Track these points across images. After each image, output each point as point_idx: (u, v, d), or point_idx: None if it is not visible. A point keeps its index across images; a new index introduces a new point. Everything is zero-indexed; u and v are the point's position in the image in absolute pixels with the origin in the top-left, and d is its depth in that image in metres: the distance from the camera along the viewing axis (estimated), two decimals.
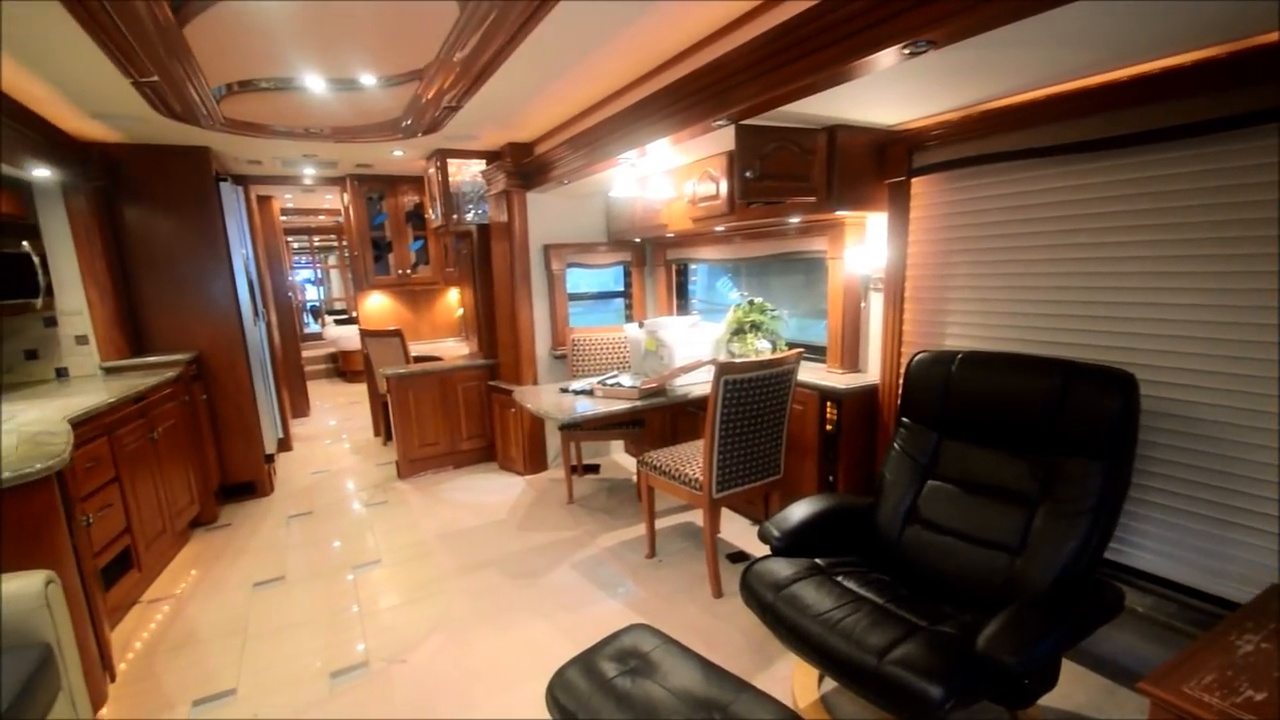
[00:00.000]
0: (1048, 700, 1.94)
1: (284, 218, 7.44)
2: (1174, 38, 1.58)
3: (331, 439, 5.55)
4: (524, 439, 4.22)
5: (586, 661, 1.66)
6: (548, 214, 4.14)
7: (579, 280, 4.67)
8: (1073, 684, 2.05)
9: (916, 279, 2.64)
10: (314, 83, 2.68)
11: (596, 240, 4.40)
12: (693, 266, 4.43)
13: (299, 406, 6.22)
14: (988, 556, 1.90)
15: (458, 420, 4.45)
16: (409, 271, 5.55)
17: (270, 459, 4.31)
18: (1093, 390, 1.77)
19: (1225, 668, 1.37)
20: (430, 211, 4.76)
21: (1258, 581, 1.71)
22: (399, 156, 4.39)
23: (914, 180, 2.54)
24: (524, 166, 3.85)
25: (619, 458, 4.66)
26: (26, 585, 1.67)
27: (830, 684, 2.11)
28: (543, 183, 3.70)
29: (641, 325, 3.47)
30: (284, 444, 5.09)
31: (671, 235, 3.84)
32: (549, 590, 2.82)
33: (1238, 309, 1.75)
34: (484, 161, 4.22)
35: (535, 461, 4.31)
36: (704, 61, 2.15)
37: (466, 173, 4.28)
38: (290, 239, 10.22)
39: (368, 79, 2.69)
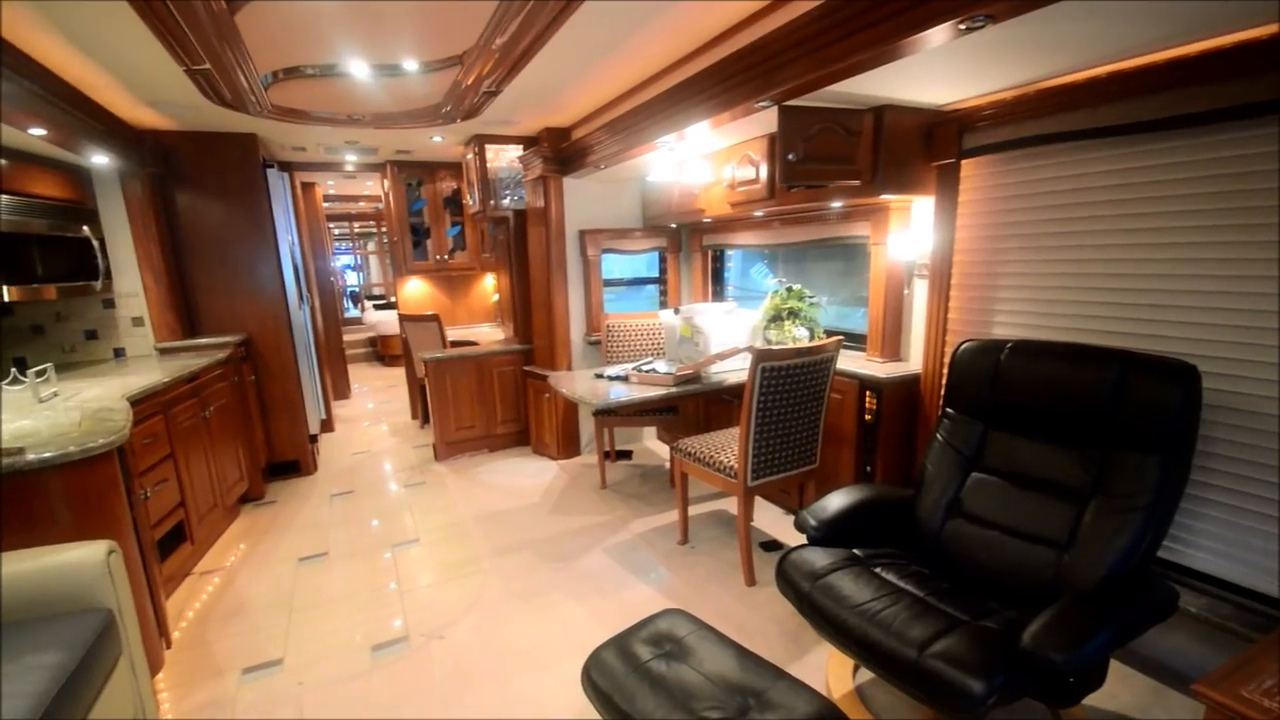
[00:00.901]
0: (1093, 700, 1.88)
1: (326, 204, 7.61)
2: (1252, 10, 1.48)
3: (371, 421, 5.70)
4: (558, 424, 4.26)
5: (621, 644, 1.68)
6: (584, 199, 4.14)
7: (613, 266, 4.67)
8: (1120, 684, 1.99)
9: (964, 265, 2.55)
10: (358, 68, 2.71)
11: (632, 226, 4.38)
12: (728, 253, 4.38)
13: (340, 389, 6.40)
14: (1034, 552, 1.85)
15: (493, 404, 4.51)
16: (446, 257, 5.63)
17: (314, 439, 4.44)
18: (1151, 382, 1.69)
19: None
20: (468, 197, 4.81)
21: None
22: (438, 143, 4.43)
23: (964, 162, 2.45)
24: (561, 152, 3.84)
25: (652, 444, 4.67)
26: (91, 554, 1.76)
27: (865, 675, 2.08)
28: (579, 168, 3.69)
29: (677, 311, 3.45)
30: (326, 425, 5.24)
31: (708, 220, 3.80)
32: (582, 573, 2.85)
33: None
34: (521, 147, 4.23)
35: (569, 446, 4.35)
36: (747, 41, 2.10)
37: (504, 158, 4.30)
38: (332, 225, 10.47)
39: (410, 64, 2.71)
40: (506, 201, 4.37)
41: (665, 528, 3.25)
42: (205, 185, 3.76)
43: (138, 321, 3.62)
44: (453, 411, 4.39)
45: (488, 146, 4.23)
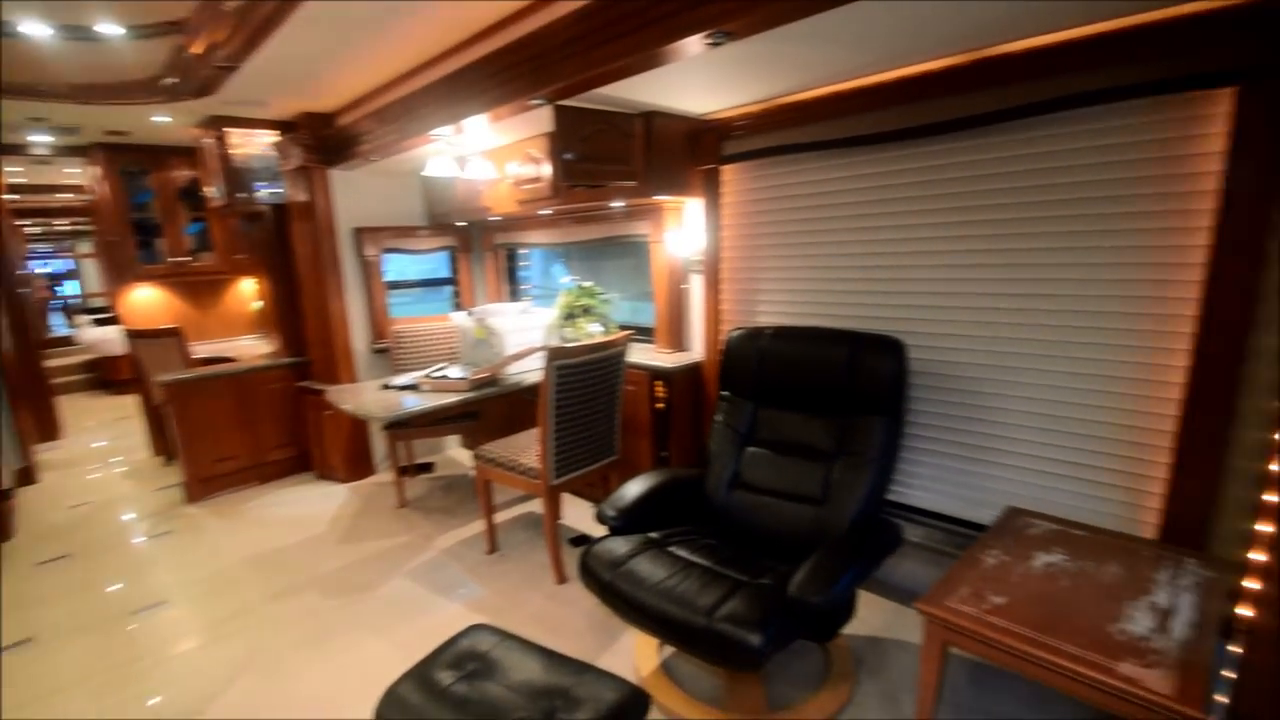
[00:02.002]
0: (850, 629, 2.21)
1: (11, 196, 5.98)
2: (943, 43, 1.84)
3: (97, 464, 4.63)
4: (344, 443, 3.86)
5: (420, 674, 1.57)
6: (358, 194, 3.78)
7: (405, 268, 4.35)
8: (870, 611, 2.36)
9: (730, 261, 2.82)
10: (35, 29, 2.15)
11: (416, 223, 4.11)
12: (526, 251, 4.33)
13: (46, 428, 5.10)
14: (799, 510, 2.11)
15: (261, 428, 3.94)
16: (187, 259, 4.77)
17: (4, 496, 3.48)
18: (873, 355, 2.03)
19: (977, 580, 1.65)
20: (210, 189, 4.11)
21: (1000, 505, 2.08)
22: (164, 123, 3.73)
23: (724, 168, 2.70)
24: (325, 140, 3.46)
25: (455, 453, 4.45)
26: None
27: (670, 650, 2.21)
28: (349, 159, 3.36)
29: (470, 313, 3.32)
30: (25, 476, 4.14)
31: (497, 218, 3.71)
32: (382, 603, 2.61)
33: (983, 280, 2.10)
34: (277, 133, 3.72)
35: (359, 466, 3.96)
36: (519, 35, 2.07)
37: (255, 145, 3.75)
38: (24, 223, 8.25)
39: (109, 28, 2.22)
40: (263, 194, 3.82)
41: (473, 539, 3.12)
42: None
43: None
44: (208, 442, 3.74)
45: (232, 131, 3.65)
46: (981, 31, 1.72)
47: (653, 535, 2.11)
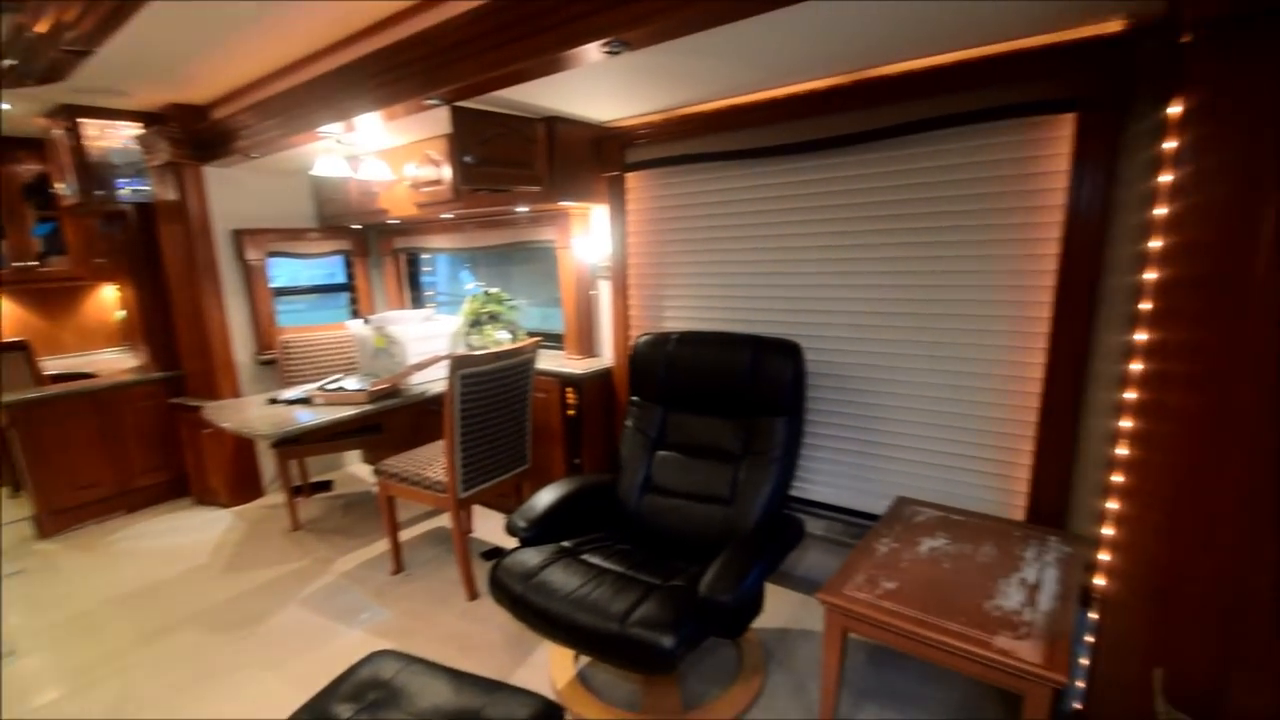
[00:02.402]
0: (760, 623, 2.28)
1: None
2: (819, 66, 1.93)
3: None
4: (226, 464, 3.55)
5: (316, 709, 1.46)
6: (238, 193, 3.49)
7: (297, 273, 4.06)
8: (778, 604, 2.45)
9: (638, 267, 2.85)
10: None
11: (305, 225, 3.85)
12: (430, 257, 4.16)
13: None
14: (710, 511, 2.16)
15: (128, 451, 3.55)
16: (35, 264, 4.21)
17: None
18: (773, 358, 2.11)
19: (871, 568, 1.75)
20: (62, 185, 3.65)
21: (891, 496, 2.22)
22: (3, 111, 3.27)
23: (629, 175, 2.72)
24: (198, 134, 3.17)
25: (356, 470, 4.21)
26: None
27: (587, 659, 2.19)
28: (225, 155, 3.09)
29: (367, 321, 3.15)
30: None
31: (395, 222, 3.55)
32: (274, 636, 2.42)
33: (870, 286, 2.24)
34: (141, 125, 3.37)
35: (245, 489, 3.66)
36: (412, 32, 1.99)
37: (116, 138, 3.37)
38: None
39: None
40: (125, 192, 3.44)
41: (376, 559, 2.96)
42: None
43: None
44: (63, 469, 3.32)
45: (87, 121, 3.27)
46: (860, 55, 1.84)
47: (565, 544, 2.09)
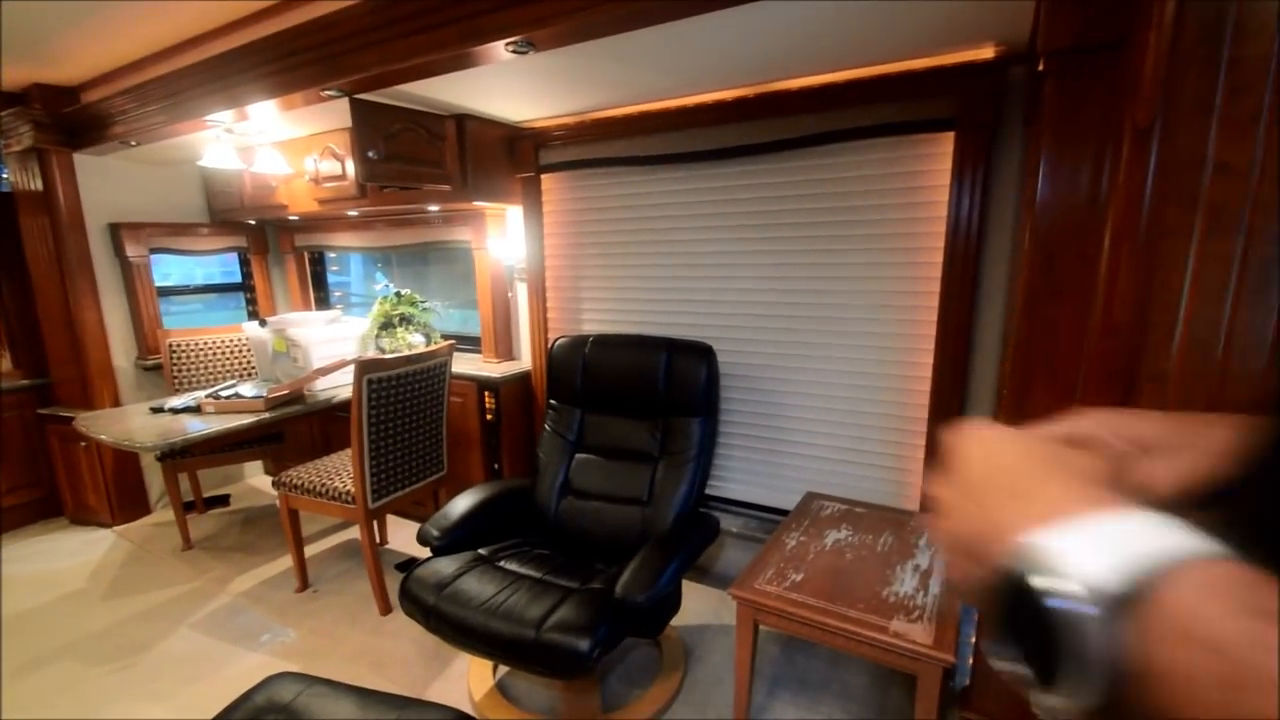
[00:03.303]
0: (680, 620, 2.32)
1: None
2: (724, 77, 1.99)
3: None
4: (106, 479, 3.24)
5: None
6: (117, 183, 3.19)
7: (190, 271, 3.75)
8: (697, 601, 2.49)
9: (555, 269, 2.82)
10: None
11: (194, 220, 3.57)
12: (343, 256, 3.95)
13: None
14: (628, 512, 2.17)
15: None
16: None
17: None
18: (687, 360, 2.15)
19: (780, 561, 1.81)
20: None
21: (801, 491, 2.31)
22: None
23: (544, 176, 2.70)
24: (66, 118, 2.87)
25: (257, 482, 3.95)
26: None
27: (506, 669, 2.15)
28: (99, 141, 2.82)
29: (264, 323, 2.96)
30: None
31: (296, 218, 3.35)
32: (161, 664, 2.23)
33: (778, 290, 2.32)
34: None
35: (129, 506, 3.35)
36: (310, 17, 1.88)
37: None
38: None
39: None
40: None
41: (278, 577, 2.78)
42: None
43: None
44: None
45: None
46: (762, 69, 1.90)
47: (482, 551, 2.04)
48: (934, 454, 2.08)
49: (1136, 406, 0.95)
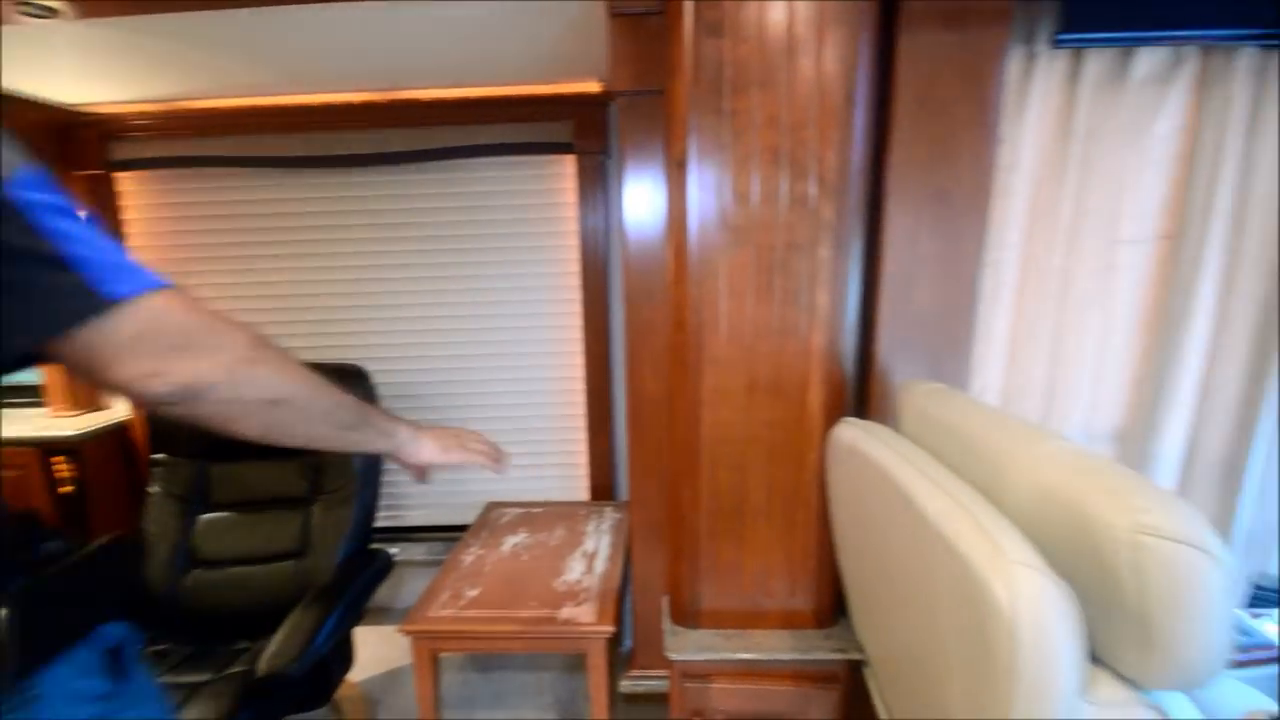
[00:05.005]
0: (365, 670, 2.10)
1: None
2: (336, 80, 1.85)
3: None
4: None
5: None
6: None
7: None
8: (380, 646, 2.28)
9: None
10: None
11: None
12: None
13: None
14: (277, 570, 1.87)
15: None
16: None
17: None
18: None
19: (456, 581, 1.77)
20: None
21: (483, 505, 2.30)
22: None
23: (120, 176, 2.15)
24: None
25: None
26: None
27: None
28: None
29: None
30: None
31: None
32: None
33: (439, 304, 2.26)
34: None
35: None
36: None
37: None
38: None
39: None
40: None
41: None
42: None
43: None
44: None
45: None
46: (382, 75, 1.83)
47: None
48: (596, 447, 2.28)
49: (702, 383, 1.17)
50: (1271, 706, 1.07)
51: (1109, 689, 0.68)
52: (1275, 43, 1.08)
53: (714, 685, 1.31)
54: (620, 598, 1.74)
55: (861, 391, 1.29)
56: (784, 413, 1.19)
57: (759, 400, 1.18)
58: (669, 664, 1.32)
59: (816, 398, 1.18)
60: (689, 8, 1.01)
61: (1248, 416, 1.23)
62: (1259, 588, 1.47)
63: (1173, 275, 1.20)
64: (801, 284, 1.13)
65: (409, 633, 1.57)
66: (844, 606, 1.31)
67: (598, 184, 2.04)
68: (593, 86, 1.93)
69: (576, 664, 2.17)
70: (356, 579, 1.79)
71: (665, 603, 1.44)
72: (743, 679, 1.30)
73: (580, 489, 2.37)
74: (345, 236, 2.22)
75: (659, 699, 1.60)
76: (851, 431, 1.09)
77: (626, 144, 1.26)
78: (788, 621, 1.33)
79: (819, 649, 1.28)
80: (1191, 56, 1.11)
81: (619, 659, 1.81)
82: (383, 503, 2.31)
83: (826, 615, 1.33)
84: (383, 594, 2.24)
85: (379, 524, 2.26)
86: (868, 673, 1.24)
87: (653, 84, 1.20)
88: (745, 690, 1.31)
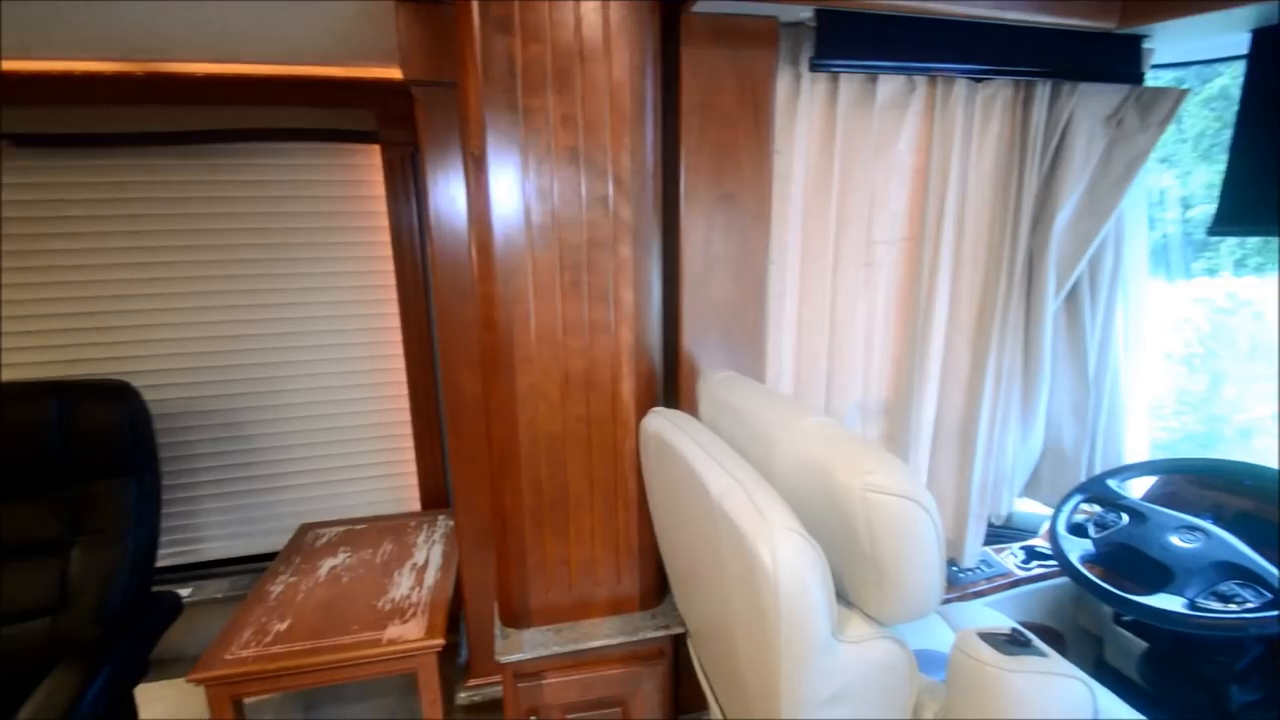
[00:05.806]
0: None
1: None
2: (70, 42, 1.56)
3: None
4: None
5: None
6: None
7: None
8: (174, 703, 1.99)
9: None
10: None
11: None
12: None
13: None
14: (28, 631, 1.55)
15: None
16: None
17: None
18: (93, 407, 1.64)
19: (261, 615, 1.59)
20: None
21: (295, 528, 2.09)
22: None
23: None
24: None
25: None
26: None
27: None
28: None
29: None
30: None
31: None
32: None
33: (232, 307, 2.01)
34: None
35: None
36: None
37: None
38: None
39: None
40: None
41: None
42: None
43: None
44: None
45: None
46: (138, 41, 1.57)
47: None
48: (425, 453, 2.17)
49: (516, 381, 1.16)
50: (1008, 622, 1.31)
51: (857, 627, 0.79)
52: (982, 76, 1.32)
53: (547, 681, 1.32)
54: (453, 608, 1.68)
55: (671, 382, 1.36)
56: (598, 406, 1.22)
57: (573, 395, 1.20)
58: (502, 668, 1.31)
59: (628, 390, 1.23)
60: (475, 5, 0.99)
61: (974, 388, 1.50)
62: (994, 525, 1.79)
63: (917, 272, 1.42)
64: (607, 281, 1.16)
65: (199, 681, 1.39)
66: (667, 586, 1.38)
67: (408, 176, 1.93)
68: (396, 73, 1.82)
69: (410, 686, 2.06)
70: (134, 630, 1.54)
71: (495, 607, 1.41)
72: (574, 670, 1.32)
73: (412, 499, 2.25)
74: (98, 231, 1.88)
75: (499, 705, 1.57)
76: (658, 420, 1.15)
77: (425, 136, 1.21)
78: (616, 607, 1.37)
79: (645, 629, 1.34)
80: (921, 85, 1.31)
81: (457, 671, 1.75)
82: (169, 537, 2.05)
83: (651, 596, 1.39)
84: (175, 642, 1.96)
85: (164, 562, 2.00)
86: (691, 644, 1.33)
87: (448, 76, 1.17)
88: (578, 680, 1.33)
